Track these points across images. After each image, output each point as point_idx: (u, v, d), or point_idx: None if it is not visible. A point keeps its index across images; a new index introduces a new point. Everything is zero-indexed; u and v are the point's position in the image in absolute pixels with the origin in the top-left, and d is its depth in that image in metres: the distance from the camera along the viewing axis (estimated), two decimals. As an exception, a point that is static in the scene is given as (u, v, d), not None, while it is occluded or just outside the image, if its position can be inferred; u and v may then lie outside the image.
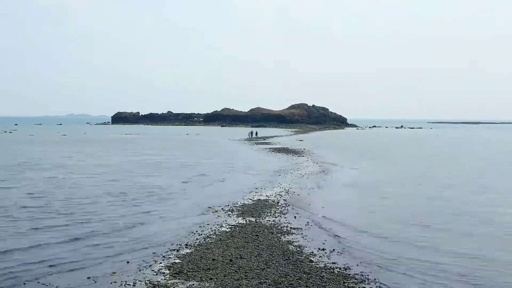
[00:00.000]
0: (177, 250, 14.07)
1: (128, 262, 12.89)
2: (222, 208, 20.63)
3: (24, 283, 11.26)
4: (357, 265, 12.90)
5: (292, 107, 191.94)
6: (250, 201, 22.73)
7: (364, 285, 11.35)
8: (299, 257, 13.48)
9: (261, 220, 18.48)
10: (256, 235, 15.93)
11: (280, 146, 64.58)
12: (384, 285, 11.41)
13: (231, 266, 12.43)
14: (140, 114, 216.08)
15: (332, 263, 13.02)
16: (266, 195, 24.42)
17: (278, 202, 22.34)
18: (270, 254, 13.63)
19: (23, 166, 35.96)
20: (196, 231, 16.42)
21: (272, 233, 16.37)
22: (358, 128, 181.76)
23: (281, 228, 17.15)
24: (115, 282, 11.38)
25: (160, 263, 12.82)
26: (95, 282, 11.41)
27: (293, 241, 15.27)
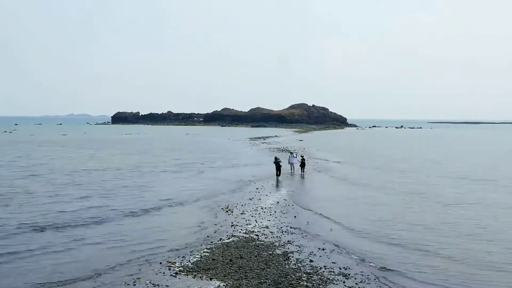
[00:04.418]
0: (177, 250, 14.05)
1: (128, 261, 12.88)
2: (222, 208, 20.62)
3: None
4: (357, 265, 12.89)
5: (292, 107, 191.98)
6: (250, 201, 22.71)
7: (364, 285, 11.34)
8: (299, 256, 13.47)
9: (261, 219, 18.48)
10: (256, 235, 15.93)
11: (280, 146, 64.61)
12: (385, 285, 11.40)
13: (231, 266, 12.41)
14: (140, 114, 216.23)
15: (332, 262, 13.01)
16: (266, 195, 24.42)
17: (278, 202, 22.34)
18: (270, 254, 13.62)
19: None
20: (196, 231, 16.40)
21: (272, 232, 16.37)
22: (358, 128, 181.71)
23: (281, 227, 17.14)
24: (115, 281, 11.36)
25: (160, 262, 12.79)
26: (95, 282, 11.39)
27: (293, 241, 15.25)
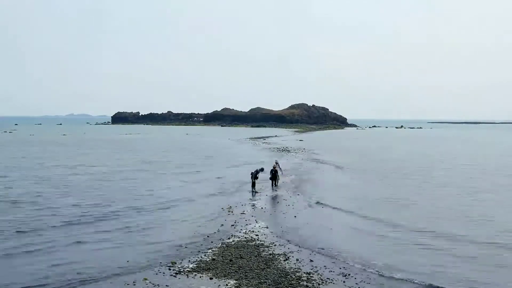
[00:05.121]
0: (177, 250, 14.05)
1: (128, 261, 12.88)
2: (222, 208, 20.62)
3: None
4: (357, 264, 12.87)
5: (292, 107, 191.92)
6: (250, 201, 22.72)
7: (364, 285, 11.33)
8: (299, 256, 13.47)
9: (261, 219, 18.49)
10: (256, 235, 15.94)
11: (280, 146, 64.63)
12: (385, 285, 11.40)
13: (231, 266, 12.41)
14: (140, 114, 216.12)
15: (332, 262, 13.00)
16: (266, 195, 24.43)
17: (278, 202, 22.36)
18: (270, 254, 13.62)
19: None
20: (196, 231, 16.40)
21: (273, 232, 16.37)
22: (358, 128, 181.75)
23: (281, 227, 17.13)
24: (115, 281, 11.36)
25: (160, 262, 12.79)
26: (95, 281, 11.39)
27: (293, 241, 15.24)
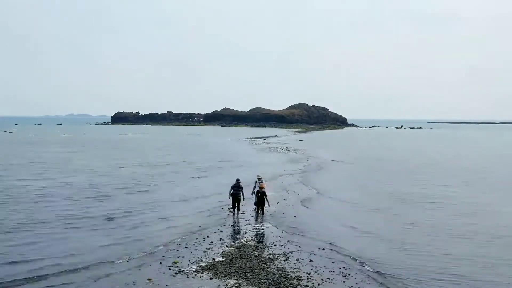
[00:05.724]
0: (177, 250, 14.02)
1: (127, 261, 12.87)
2: (222, 208, 20.60)
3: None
4: (357, 265, 12.86)
5: (292, 107, 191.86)
6: (250, 200, 22.65)
7: (364, 285, 11.32)
8: (299, 256, 13.46)
9: (261, 219, 18.46)
10: (257, 235, 15.93)
11: (280, 146, 64.63)
12: (384, 284, 11.39)
13: (231, 266, 12.39)
14: (140, 114, 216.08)
15: (332, 262, 12.99)
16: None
17: (278, 202, 22.34)
18: (270, 254, 13.61)
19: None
20: (196, 231, 16.39)
21: (273, 232, 16.36)
22: (358, 128, 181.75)
23: (281, 227, 17.11)
24: (115, 281, 11.34)
25: (160, 262, 12.77)
26: (95, 281, 11.37)
27: (293, 241, 15.24)
